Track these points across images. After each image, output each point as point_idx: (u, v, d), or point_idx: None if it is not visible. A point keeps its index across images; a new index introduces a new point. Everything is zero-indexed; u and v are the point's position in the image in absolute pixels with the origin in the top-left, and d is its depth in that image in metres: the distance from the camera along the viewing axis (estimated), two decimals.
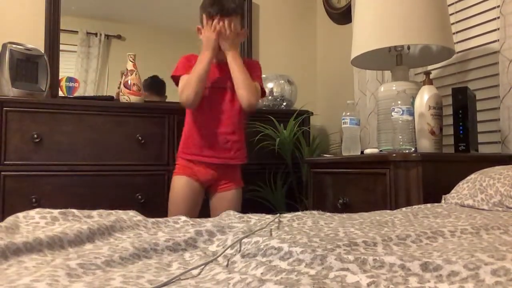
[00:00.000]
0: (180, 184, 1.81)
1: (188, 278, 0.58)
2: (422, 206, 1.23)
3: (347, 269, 0.58)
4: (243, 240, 0.75)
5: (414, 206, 1.24)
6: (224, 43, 1.75)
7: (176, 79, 1.82)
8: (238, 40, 1.81)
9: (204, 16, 1.77)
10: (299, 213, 1.07)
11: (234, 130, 1.81)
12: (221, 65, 1.82)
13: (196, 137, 1.80)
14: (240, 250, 0.72)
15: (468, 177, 1.33)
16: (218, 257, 0.68)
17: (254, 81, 1.80)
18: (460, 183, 1.33)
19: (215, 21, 1.73)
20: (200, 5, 1.81)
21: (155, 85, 2.40)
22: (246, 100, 1.73)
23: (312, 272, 0.57)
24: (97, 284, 0.52)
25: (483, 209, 1.17)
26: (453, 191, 1.33)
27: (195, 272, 0.61)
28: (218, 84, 1.81)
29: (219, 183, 1.84)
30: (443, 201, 1.33)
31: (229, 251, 0.72)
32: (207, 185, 1.85)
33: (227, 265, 0.66)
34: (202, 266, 0.63)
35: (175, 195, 1.81)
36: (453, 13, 1.92)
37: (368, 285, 0.52)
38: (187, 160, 1.82)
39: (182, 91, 1.73)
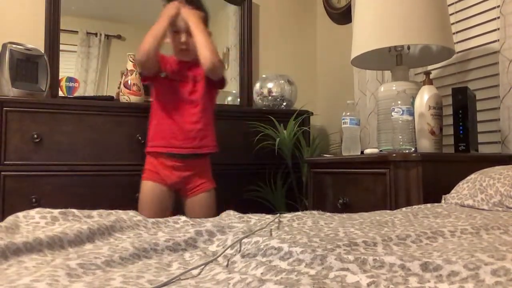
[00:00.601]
0: (147, 190, 1.80)
1: (188, 278, 0.58)
2: (422, 206, 1.23)
3: (347, 269, 0.58)
4: (243, 240, 0.75)
5: (414, 206, 1.24)
6: (187, 12, 1.77)
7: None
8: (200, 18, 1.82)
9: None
10: (299, 213, 1.07)
11: (198, 119, 1.80)
12: (181, 61, 1.85)
13: (161, 130, 1.80)
14: (240, 250, 0.72)
15: (468, 177, 1.33)
16: (218, 257, 0.68)
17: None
18: (460, 183, 1.33)
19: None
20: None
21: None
22: (209, 60, 1.72)
23: (312, 272, 0.57)
24: (97, 284, 0.52)
25: (483, 209, 1.17)
26: (453, 191, 1.33)
27: (195, 272, 0.61)
28: (178, 76, 1.83)
29: (189, 186, 1.81)
30: (443, 201, 1.33)
31: (229, 251, 0.72)
32: (176, 188, 1.82)
33: (227, 265, 0.66)
34: (202, 266, 0.63)
35: (142, 201, 1.80)
36: (453, 13, 1.92)
37: (368, 285, 0.52)
38: (154, 156, 1.81)
39: (139, 48, 1.74)
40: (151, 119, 1.85)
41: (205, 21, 1.85)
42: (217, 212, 1.64)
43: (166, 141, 1.79)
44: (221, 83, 1.88)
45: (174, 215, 1.02)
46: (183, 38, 1.78)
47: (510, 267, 0.53)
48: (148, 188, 1.80)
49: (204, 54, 1.73)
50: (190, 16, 1.78)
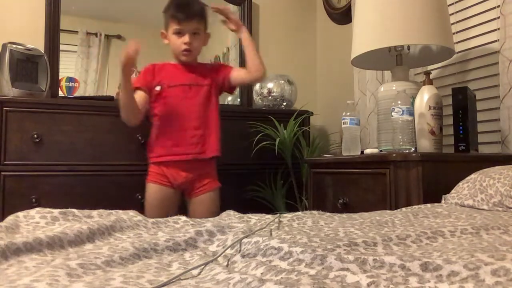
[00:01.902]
0: (152, 192, 1.79)
1: (188, 278, 0.58)
2: (422, 206, 1.23)
3: (347, 269, 0.58)
4: (243, 240, 0.75)
5: (414, 206, 1.24)
6: (242, 27, 1.85)
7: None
8: (201, 46, 1.84)
9: (168, 20, 1.78)
10: (299, 213, 1.07)
11: (199, 124, 1.78)
12: (181, 65, 1.83)
13: (163, 137, 1.78)
14: (240, 250, 0.72)
15: (468, 177, 1.33)
16: (218, 257, 0.68)
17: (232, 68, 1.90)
18: (460, 183, 1.33)
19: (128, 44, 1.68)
20: (164, 9, 1.81)
21: None
22: (262, 74, 1.84)
23: (312, 272, 0.57)
24: (97, 284, 0.52)
25: (483, 209, 1.17)
26: (453, 191, 1.33)
27: (195, 272, 0.61)
28: (179, 82, 1.80)
29: (194, 186, 1.80)
30: (443, 201, 1.33)
31: (229, 251, 0.72)
32: (181, 188, 1.81)
33: (227, 265, 0.66)
34: (202, 266, 0.63)
35: (148, 204, 1.79)
36: (453, 13, 1.92)
37: (368, 285, 0.52)
38: (158, 164, 1.79)
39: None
40: (152, 127, 1.83)
41: (206, 26, 1.85)
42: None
43: (168, 150, 1.77)
44: (235, 88, 1.92)
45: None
46: (187, 38, 1.75)
47: (510, 267, 0.53)
48: (154, 191, 1.79)
49: (260, 68, 1.82)
50: (239, 32, 1.84)
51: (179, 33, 1.76)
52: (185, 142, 1.77)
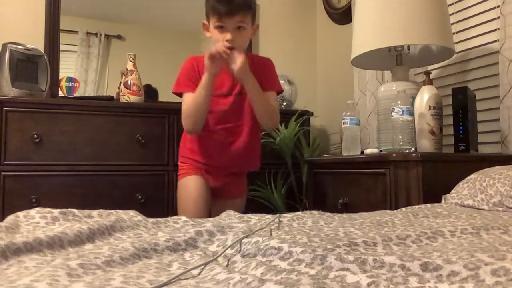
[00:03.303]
0: (191, 184, 1.64)
1: (188, 278, 0.58)
2: (422, 206, 1.23)
3: (347, 269, 0.58)
4: (243, 240, 0.75)
5: (414, 206, 1.24)
6: (233, 70, 1.51)
7: (179, 95, 1.67)
8: (248, 40, 1.63)
9: (209, 12, 1.55)
10: (299, 213, 1.07)
11: (248, 138, 1.65)
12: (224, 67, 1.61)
13: (205, 144, 1.65)
14: (240, 250, 0.72)
15: (468, 177, 1.33)
16: (218, 257, 0.68)
17: (272, 90, 1.66)
18: (460, 183, 1.33)
19: (213, 46, 1.50)
20: None
21: (147, 94, 2.35)
22: (271, 126, 1.69)
23: (312, 272, 0.57)
24: (97, 284, 0.52)
25: (483, 209, 1.17)
26: (453, 191, 1.33)
27: (195, 272, 0.61)
28: (231, 91, 1.65)
29: (225, 189, 1.71)
30: (443, 201, 1.33)
31: (229, 251, 0.72)
32: (215, 189, 1.71)
33: (227, 265, 0.66)
34: (202, 266, 0.63)
35: (188, 196, 1.64)
36: (453, 13, 1.92)
37: (368, 285, 0.52)
38: (195, 163, 1.68)
39: (184, 118, 1.61)
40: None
41: (255, 16, 1.63)
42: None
43: (208, 158, 1.66)
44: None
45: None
46: (229, 35, 1.51)
47: (510, 267, 0.53)
48: (193, 181, 1.64)
49: (266, 123, 1.64)
50: (241, 79, 1.55)
51: (221, 28, 1.53)
52: (230, 155, 1.66)
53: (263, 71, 1.65)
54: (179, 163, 1.74)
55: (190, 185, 1.65)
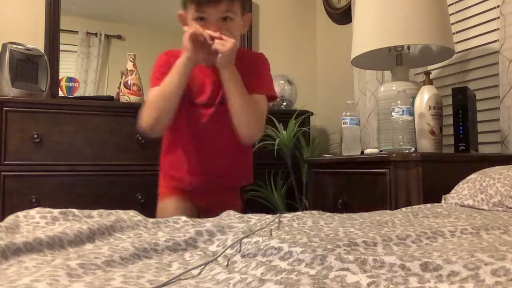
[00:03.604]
0: (171, 207, 1.38)
1: (188, 278, 0.58)
2: (422, 206, 1.23)
3: (347, 269, 0.58)
4: (243, 240, 0.75)
5: (414, 206, 1.24)
6: (217, 57, 1.24)
7: None
8: (238, 34, 1.34)
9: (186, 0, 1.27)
10: (299, 213, 1.07)
11: (235, 152, 1.41)
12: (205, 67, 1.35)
13: (187, 159, 1.38)
14: (240, 250, 0.72)
15: (468, 177, 1.33)
16: (218, 257, 0.68)
17: (260, 93, 1.37)
18: (460, 183, 1.33)
19: (196, 25, 1.24)
20: None
21: None
22: (246, 136, 1.34)
23: (312, 272, 0.57)
24: (97, 284, 0.52)
25: (483, 209, 1.17)
26: (453, 191, 1.33)
27: (195, 272, 0.61)
28: (212, 101, 1.37)
29: (216, 207, 1.26)
30: (443, 201, 1.33)
31: (229, 251, 0.72)
32: (200, 208, 1.43)
33: (227, 265, 0.66)
34: (202, 266, 0.63)
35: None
36: (453, 13, 1.92)
37: (368, 285, 0.52)
38: (173, 181, 1.44)
39: (144, 110, 1.30)
40: (170, 139, 1.43)
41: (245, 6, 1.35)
42: None
43: (190, 175, 1.40)
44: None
45: None
46: (211, 29, 1.23)
47: (510, 267, 0.53)
48: (172, 205, 1.38)
49: (242, 130, 1.31)
50: (222, 67, 1.26)
51: (202, 19, 1.26)
52: (214, 171, 1.41)
53: (250, 66, 1.39)
54: (160, 176, 1.49)
55: (167, 210, 1.39)
